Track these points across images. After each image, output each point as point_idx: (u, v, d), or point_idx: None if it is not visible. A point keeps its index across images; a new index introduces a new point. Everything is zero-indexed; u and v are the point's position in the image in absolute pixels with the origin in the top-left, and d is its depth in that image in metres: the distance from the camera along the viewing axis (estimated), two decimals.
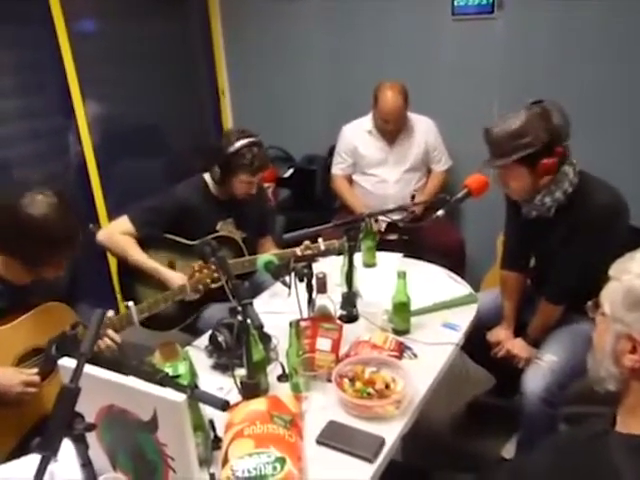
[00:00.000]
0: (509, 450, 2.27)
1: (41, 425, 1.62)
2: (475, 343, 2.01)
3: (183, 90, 3.93)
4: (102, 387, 1.13)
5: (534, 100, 1.84)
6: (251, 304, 1.42)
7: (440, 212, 1.87)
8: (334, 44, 3.63)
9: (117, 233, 2.23)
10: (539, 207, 1.91)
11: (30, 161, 3.03)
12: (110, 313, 1.75)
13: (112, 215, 3.12)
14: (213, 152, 2.31)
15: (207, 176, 2.37)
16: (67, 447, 1.02)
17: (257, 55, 3.90)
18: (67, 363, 1.15)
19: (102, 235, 2.25)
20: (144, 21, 3.56)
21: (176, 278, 2.15)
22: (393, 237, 3.07)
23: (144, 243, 2.24)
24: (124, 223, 2.24)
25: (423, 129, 3.16)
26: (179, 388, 1.09)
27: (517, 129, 1.80)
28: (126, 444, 1.19)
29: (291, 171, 3.78)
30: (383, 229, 3.10)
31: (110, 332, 1.76)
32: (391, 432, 1.41)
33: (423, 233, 2.97)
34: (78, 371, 0.97)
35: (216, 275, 2.04)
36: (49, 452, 0.91)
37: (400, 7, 3.33)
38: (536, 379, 1.91)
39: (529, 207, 1.94)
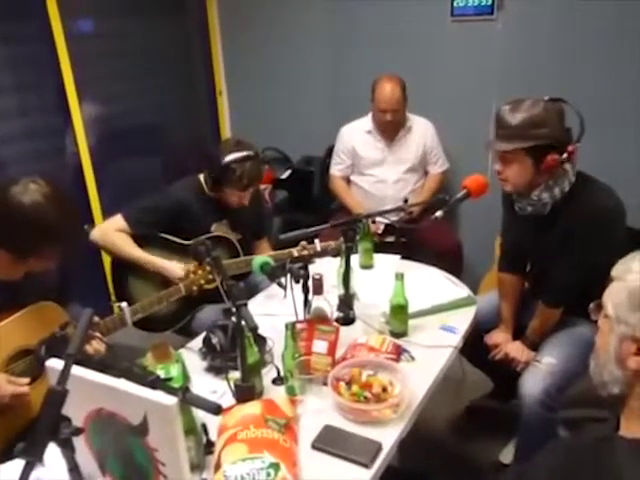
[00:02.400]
0: (507, 454, 2.25)
1: (29, 427, 1.59)
2: (473, 346, 1.99)
3: (180, 90, 3.91)
4: (91, 390, 1.10)
5: (551, 97, 1.81)
6: (245, 305, 1.39)
7: (439, 213, 1.84)
8: (332, 45, 3.61)
9: (111, 230, 2.20)
10: (535, 202, 1.88)
11: (24, 160, 3.00)
12: (95, 319, 1.72)
13: (107, 216, 3.07)
14: (207, 160, 2.27)
15: (202, 177, 2.34)
16: (55, 451, 0.99)
17: (255, 55, 3.88)
18: (55, 364, 1.12)
19: (96, 233, 2.22)
20: (141, 20, 3.54)
21: (174, 267, 2.13)
22: (391, 239, 3.05)
23: (139, 242, 2.21)
24: (118, 222, 2.21)
25: (421, 130, 3.14)
26: (171, 391, 1.06)
27: (535, 118, 1.76)
28: (115, 449, 1.15)
29: (288, 172, 3.76)
30: (380, 231, 3.07)
31: (97, 335, 1.72)
32: (388, 437, 1.38)
33: (421, 235, 2.96)
34: (65, 373, 0.94)
35: (211, 277, 2.01)
36: (33, 457, 0.87)
37: (399, 8, 3.30)
38: (534, 382, 1.88)
39: (524, 202, 1.91)
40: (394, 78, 2.98)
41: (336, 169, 3.26)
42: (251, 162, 2.20)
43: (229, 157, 2.17)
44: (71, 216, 1.58)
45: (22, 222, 1.50)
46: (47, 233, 1.53)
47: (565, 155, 1.79)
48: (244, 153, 2.19)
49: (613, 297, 1.03)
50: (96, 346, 1.67)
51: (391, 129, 3.09)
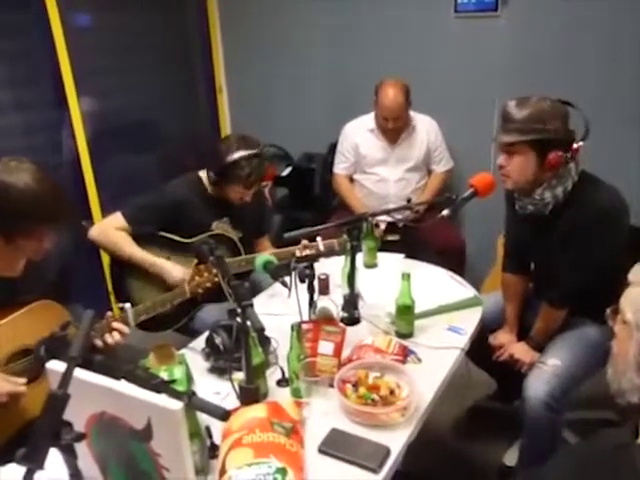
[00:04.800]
0: (511, 456, 2.22)
1: (27, 428, 1.56)
2: (477, 346, 1.95)
3: (180, 86, 3.86)
4: (93, 393, 1.06)
5: (559, 99, 1.81)
6: (251, 306, 1.35)
7: (445, 212, 1.83)
8: (333, 41, 3.57)
9: (111, 229, 2.16)
10: (537, 202, 1.86)
11: (21, 155, 2.94)
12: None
13: (106, 211, 3.06)
14: (211, 156, 2.23)
15: (202, 174, 2.30)
16: (56, 453, 0.96)
17: (255, 51, 3.83)
18: (56, 366, 1.08)
19: (95, 231, 2.19)
20: (141, 14, 3.49)
21: (175, 270, 2.10)
22: (393, 238, 3.02)
23: (138, 240, 2.17)
24: (117, 220, 2.17)
25: (425, 128, 3.11)
26: (176, 395, 1.02)
27: (541, 113, 1.76)
28: (118, 453, 1.12)
29: (289, 170, 3.72)
30: (383, 230, 3.04)
31: (117, 325, 1.70)
32: (396, 441, 1.35)
33: (423, 234, 2.93)
34: (67, 377, 0.90)
35: (217, 279, 1.97)
36: (34, 464, 0.84)
37: (402, 3, 3.27)
38: (539, 384, 1.85)
39: (526, 201, 1.89)
40: (397, 84, 2.91)
41: (340, 167, 3.22)
42: (258, 160, 2.18)
43: (237, 154, 2.14)
44: (54, 191, 1.51)
45: (5, 198, 1.43)
46: (34, 209, 1.45)
47: (569, 153, 1.78)
48: (252, 151, 2.16)
49: (632, 302, 1.00)
50: (117, 337, 1.66)
51: (393, 133, 3.06)
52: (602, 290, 1.88)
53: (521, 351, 2.02)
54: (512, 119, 1.80)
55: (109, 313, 1.72)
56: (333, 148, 3.30)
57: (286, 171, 3.71)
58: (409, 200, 2.78)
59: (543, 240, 1.94)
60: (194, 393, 1.07)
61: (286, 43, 3.72)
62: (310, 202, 3.61)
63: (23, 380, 1.54)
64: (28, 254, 1.57)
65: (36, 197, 1.45)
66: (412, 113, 3.07)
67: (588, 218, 1.78)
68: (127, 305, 1.79)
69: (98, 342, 1.67)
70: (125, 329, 1.71)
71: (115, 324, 1.70)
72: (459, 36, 3.19)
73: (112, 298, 2.29)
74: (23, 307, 1.60)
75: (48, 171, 1.53)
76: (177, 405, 0.99)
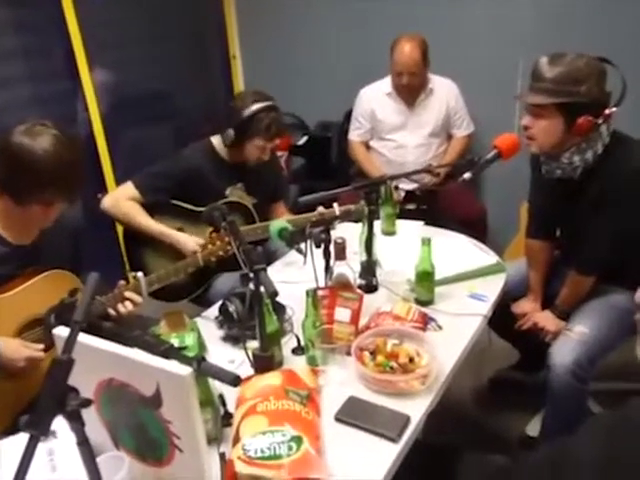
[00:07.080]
0: (534, 427, 2.17)
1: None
2: (499, 315, 1.89)
3: (193, 54, 3.80)
4: (101, 359, 1.04)
5: (597, 56, 1.70)
6: (264, 270, 1.31)
7: (467, 175, 1.74)
8: (350, 4, 3.46)
9: (122, 199, 2.13)
10: (565, 166, 1.77)
11: None
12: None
13: (120, 184, 3.02)
14: (227, 114, 2.18)
15: (215, 139, 2.25)
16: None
17: (270, 17, 3.74)
18: (62, 332, 1.06)
19: (107, 202, 2.16)
20: None
21: (188, 240, 2.07)
22: (412, 206, 2.94)
23: (150, 210, 2.14)
24: (129, 189, 2.14)
25: (444, 91, 3.00)
26: (185, 360, 0.99)
27: (574, 73, 1.65)
28: (128, 421, 1.09)
29: (305, 139, 3.65)
30: (402, 198, 2.97)
31: (129, 294, 1.68)
32: (416, 409, 1.31)
33: (443, 202, 2.86)
34: (71, 341, 0.87)
35: (229, 247, 1.94)
36: (38, 431, 0.81)
37: None
38: (565, 351, 1.80)
39: (553, 165, 1.80)
40: (415, 38, 2.81)
41: (355, 134, 3.14)
42: (275, 112, 2.15)
43: (254, 106, 2.11)
44: (71, 160, 1.51)
45: (20, 161, 1.45)
46: (46, 175, 1.46)
47: (601, 119, 1.68)
48: (268, 102, 2.14)
49: None
50: (129, 307, 1.66)
51: (408, 93, 2.95)
52: (633, 256, 1.82)
53: (546, 319, 1.96)
54: (542, 77, 1.69)
55: (121, 282, 1.70)
56: (349, 116, 3.22)
57: (302, 140, 3.65)
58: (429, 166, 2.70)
59: (572, 205, 1.85)
60: (204, 358, 1.03)
61: (301, 7, 3.62)
62: (327, 171, 3.55)
63: (41, 346, 1.54)
64: (36, 220, 1.56)
65: (51, 163, 1.46)
66: (431, 75, 2.97)
67: (620, 181, 1.70)
68: (140, 274, 1.76)
69: (111, 311, 1.66)
70: (138, 298, 1.70)
71: (127, 293, 1.69)
72: None
73: (127, 268, 2.27)
74: (36, 276, 1.59)
75: (76, 139, 1.56)
76: (186, 370, 0.96)
